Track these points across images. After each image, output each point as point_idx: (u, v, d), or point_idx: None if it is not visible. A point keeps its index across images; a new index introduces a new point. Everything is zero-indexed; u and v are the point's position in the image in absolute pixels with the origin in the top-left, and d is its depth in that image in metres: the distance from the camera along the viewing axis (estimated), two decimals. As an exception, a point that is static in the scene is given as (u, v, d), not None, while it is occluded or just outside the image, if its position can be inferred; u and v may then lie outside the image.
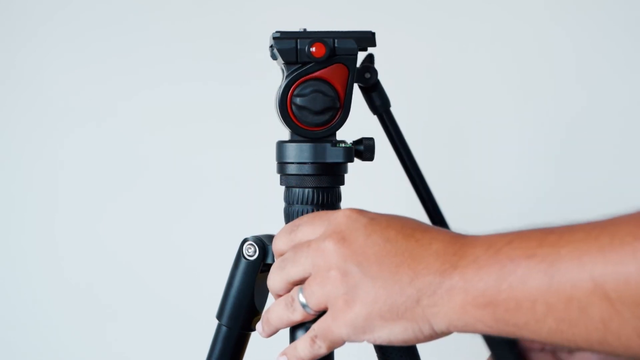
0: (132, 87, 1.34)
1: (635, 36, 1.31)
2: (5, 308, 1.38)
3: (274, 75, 0.77)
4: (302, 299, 0.65)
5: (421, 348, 0.83)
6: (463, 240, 0.59)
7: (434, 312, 0.59)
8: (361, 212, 0.65)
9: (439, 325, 0.60)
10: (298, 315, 0.67)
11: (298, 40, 0.72)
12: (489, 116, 1.31)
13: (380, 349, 0.82)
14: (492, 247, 0.56)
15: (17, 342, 1.38)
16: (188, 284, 1.35)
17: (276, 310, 0.68)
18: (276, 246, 0.70)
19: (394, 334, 0.63)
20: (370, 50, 0.75)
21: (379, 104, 0.77)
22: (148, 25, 1.34)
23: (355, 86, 0.75)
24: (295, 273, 0.66)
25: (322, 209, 0.77)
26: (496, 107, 1.33)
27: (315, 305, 0.65)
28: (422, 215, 1.34)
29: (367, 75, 0.78)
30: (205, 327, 0.88)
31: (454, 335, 1.43)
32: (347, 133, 0.75)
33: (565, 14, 1.31)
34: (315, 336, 0.65)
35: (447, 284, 0.58)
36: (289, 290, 0.67)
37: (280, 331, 0.78)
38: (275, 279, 0.68)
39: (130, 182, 1.35)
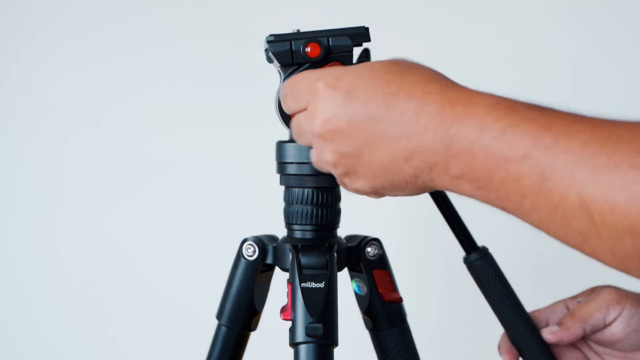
0: (132, 87, 1.34)
1: (635, 36, 1.31)
2: (5, 308, 1.38)
3: (275, 75, 0.77)
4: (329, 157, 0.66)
5: (421, 348, 0.83)
6: (452, 115, 0.58)
7: (433, 181, 0.61)
8: (335, 85, 0.63)
9: (438, 187, 0.61)
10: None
11: (292, 42, 0.72)
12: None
13: (381, 349, 0.82)
14: (484, 132, 0.56)
15: (17, 341, 1.38)
16: (188, 283, 1.35)
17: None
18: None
19: (400, 194, 0.64)
20: (365, 45, 0.75)
21: None
22: (148, 25, 1.34)
23: None
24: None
25: (322, 209, 0.77)
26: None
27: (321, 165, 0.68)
28: (425, 217, 1.34)
29: None
30: (205, 327, 0.88)
31: (454, 335, 1.43)
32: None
33: (564, 14, 1.31)
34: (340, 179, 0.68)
35: (443, 163, 0.59)
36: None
37: (280, 331, 0.78)
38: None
39: (131, 182, 1.36)
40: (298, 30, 0.73)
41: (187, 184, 1.35)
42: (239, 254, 0.80)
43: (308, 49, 0.71)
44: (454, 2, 1.32)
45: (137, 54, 1.34)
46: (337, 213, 0.79)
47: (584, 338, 0.81)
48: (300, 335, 0.69)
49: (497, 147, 0.55)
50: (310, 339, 0.69)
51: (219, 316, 0.82)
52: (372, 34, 0.73)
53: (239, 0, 1.34)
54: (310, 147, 0.68)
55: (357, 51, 0.74)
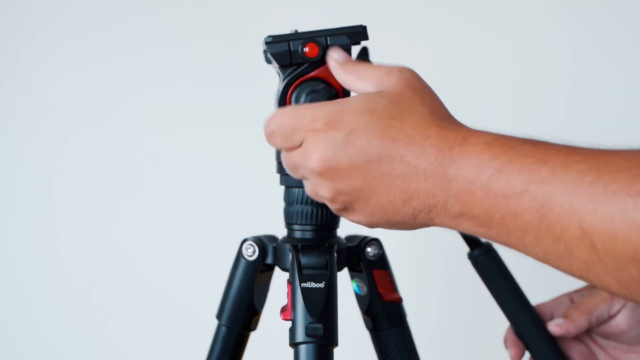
0: (132, 87, 1.34)
1: (635, 36, 1.31)
2: (5, 308, 1.38)
3: (275, 75, 0.77)
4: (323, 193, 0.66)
5: (421, 348, 0.83)
6: (450, 157, 0.59)
7: (432, 221, 0.61)
8: (335, 125, 0.63)
9: (437, 225, 0.62)
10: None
11: (290, 43, 0.72)
12: (486, 116, 1.30)
13: (381, 349, 0.82)
14: (482, 171, 0.56)
15: (18, 341, 1.38)
16: (188, 283, 1.35)
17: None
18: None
19: (398, 229, 0.65)
20: (363, 43, 0.75)
21: None
22: (148, 25, 1.34)
23: None
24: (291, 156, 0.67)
25: (322, 209, 0.77)
26: (494, 107, 1.33)
27: (315, 195, 0.68)
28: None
29: None
30: (205, 327, 0.88)
31: (454, 335, 1.43)
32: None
33: (564, 14, 1.31)
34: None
35: (441, 204, 0.59)
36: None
37: (280, 331, 0.78)
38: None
39: (130, 181, 1.35)
40: (296, 31, 0.73)
41: (187, 184, 1.35)
42: (239, 254, 0.80)
43: (306, 49, 0.71)
44: (454, 2, 1.32)
45: (137, 54, 1.34)
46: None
47: (589, 331, 0.82)
48: (300, 336, 0.69)
49: (495, 184, 0.55)
50: (310, 339, 0.69)
51: (218, 316, 0.82)
52: (371, 33, 0.73)
53: (240, 1, 1.34)
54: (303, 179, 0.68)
55: (355, 50, 0.74)
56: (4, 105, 1.35)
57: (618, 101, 1.31)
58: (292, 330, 0.70)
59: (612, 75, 1.30)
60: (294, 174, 0.68)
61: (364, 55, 0.76)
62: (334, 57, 0.69)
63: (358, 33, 0.72)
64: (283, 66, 0.72)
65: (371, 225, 0.65)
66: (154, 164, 1.35)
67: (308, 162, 0.64)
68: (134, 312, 1.37)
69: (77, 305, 1.37)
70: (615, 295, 0.51)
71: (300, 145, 0.65)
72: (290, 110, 0.67)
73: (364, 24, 0.73)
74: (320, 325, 0.69)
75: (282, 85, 0.72)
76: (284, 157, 0.69)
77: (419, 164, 0.59)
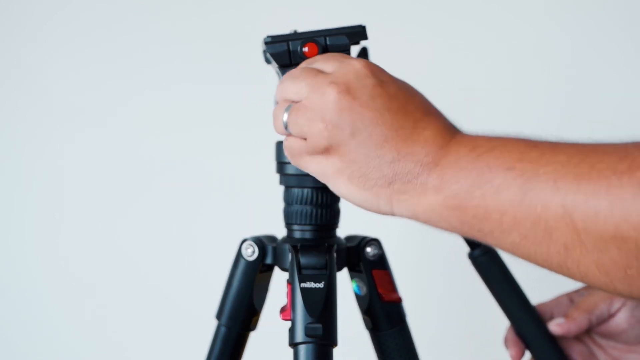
0: (132, 88, 1.34)
1: (634, 36, 1.31)
2: (6, 308, 1.38)
3: (275, 75, 0.77)
4: (285, 118, 0.66)
5: (421, 348, 0.83)
6: (452, 135, 0.59)
7: (401, 199, 0.60)
8: (374, 71, 0.63)
9: (400, 211, 0.61)
10: (279, 128, 0.68)
11: (289, 43, 0.72)
12: (485, 117, 1.31)
13: (380, 349, 0.82)
14: (475, 149, 0.57)
15: (18, 341, 1.38)
16: (188, 283, 1.35)
17: (274, 112, 0.68)
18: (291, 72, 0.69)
19: (353, 197, 0.63)
20: (363, 43, 0.75)
21: None
22: (148, 26, 1.34)
23: None
24: (290, 92, 0.66)
25: (321, 209, 0.77)
26: (493, 107, 1.32)
27: (294, 132, 0.66)
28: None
29: None
30: (205, 327, 0.88)
31: (454, 335, 1.43)
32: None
33: (563, 14, 1.31)
34: (288, 151, 0.67)
35: (424, 178, 0.59)
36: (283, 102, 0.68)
37: (280, 331, 0.78)
38: (277, 89, 0.69)
39: (131, 182, 1.35)
40: (295, 31, 0.73)
41: (187, 184, 1.35)
42: (239, 254, 0.80)
43: (306, 49, 0.71)
44: (453, 2, 1.32)
45: (138, 55, 1.34)
46: (336, 213, 0.79)
47: (589, 331, 0.82)
48: (299, 336, 0.69)
49: (483, 160, 0.56)
50: (309, 339, 0.69)
51: (218, 316, 0.82)
52: (371, 33, 0.73)
53: (241, 2, 1.34)
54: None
55: (354, 50, 0.73)
56: (4, 105, 1.35)
57: (617, 101, 1.31)
58: (292, 331, 0.70)
59: (612, 76, 1.30)
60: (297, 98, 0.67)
61: (363, 56, 0.76)
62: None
63: (357, 33, 0.72)
64: (282, 66, 0.72)
65: (340, 177, 0.63)
66: (155, 164, 1.35)
67: (328, 85, 0.63)
68: (134, 311, 1.37)
69: (78, 305, 1.37)
70: (594, 286, 0.51)
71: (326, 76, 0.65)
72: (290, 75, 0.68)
73: (363, 24, 0.72)
74: (319, 326, 0.69)
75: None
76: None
77: (427, 137, 0.60)
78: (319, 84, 0.64)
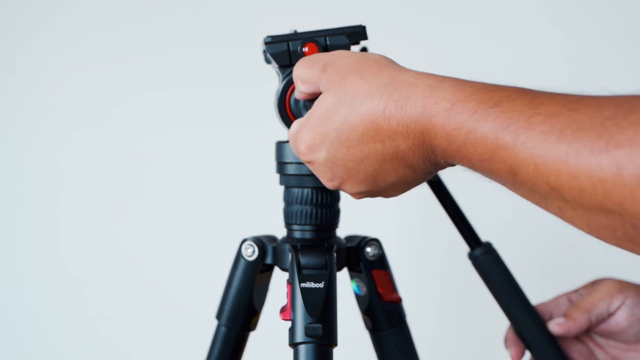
0: (133, 90, 1.34)
1: (632, 36, 1.31)
2: (6, 308, 1.38)
3: (275, 76, 0.77)
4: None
5: (421, 348, 0.83)
6: (429, 132, 0.60)
7: (432, 153, 0.61)
8: (336, 108, 0.64)
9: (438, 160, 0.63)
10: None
11: (290, 43, 0.72)
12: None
13: (380, 349, 0.82)
14: (453, 142, 0.58)
15: (18, 341, 1.38)
16: (189, 284, 1.35)
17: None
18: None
19: (394, 188, 0.67)
20: (363, 43, 0.74)
21: None
22: (149, 28, 1.34)
23: None
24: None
25: (321, 209, 0.77)
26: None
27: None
28: (425, 217, 1.34)
29: None
30: (205, 327, 0.88)
31: (454, 335, 1.43)
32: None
33: (561, 14, 1.31)
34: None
35: (442, 159, 0.61)
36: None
37: (280, 331, 0.78)
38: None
39: (131, 182, 1.35)
40: (295, 31, 0.73)
41: (187, 185, 1.35)
42: (239, 254, 0.80)
43: (306, 49, 0.71)
44: (452, 2, 1.32)
45: (138, 57, 1.34)
46: (336, 213, 0.79)
47: (588, 331, 0.82)
48: (299, 336, 0.69)
49: (465, 152, 0.57)
50: (309, 339, 0.69)
51: (218, 316, 0.82)
52: (371, 33, 0.73)
53: (240, 2, 1.34)
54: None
55: (355, 50, 0.73)
56: (4, 106, 1.35)
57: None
58: (292, 331, 0.70)
59: (611, 76, 1.30)
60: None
61: None
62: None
63: (357, 33, 0.72)
64: (282, 66, 0.72)
65: (408, 189, 0.66)
66: (155, 164, 1.35)
67: (326, 186, 0.68)
68: (134, 311, 1.37)
69: (78, 305, 1.37)
70: (589, 235, 0.53)
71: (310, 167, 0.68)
72: (289, 141, 0.70)
73: (363, 24, 0.72)
74: (319, 325, 0.69)
75: (282, 85, 0.72)
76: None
77: (398, 143, 0.61)
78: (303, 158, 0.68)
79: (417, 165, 0.62)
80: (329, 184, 0.67)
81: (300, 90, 0.69)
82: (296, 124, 0.68)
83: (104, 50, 1.34)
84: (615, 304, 0.79)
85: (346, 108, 0.62)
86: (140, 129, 1.34)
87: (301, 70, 0.68)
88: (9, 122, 1.36)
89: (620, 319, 0.80)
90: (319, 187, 0.76)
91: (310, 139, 0.65)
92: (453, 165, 0.61)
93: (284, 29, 0.74)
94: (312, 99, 0.70)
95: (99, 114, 1.34)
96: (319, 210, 0.77)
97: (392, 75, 0.62)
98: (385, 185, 0.64)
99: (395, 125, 0.60)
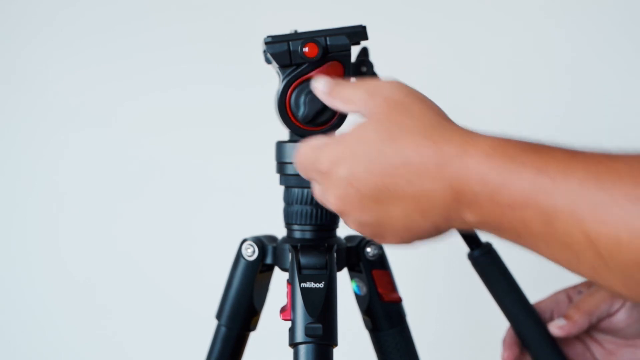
0: (133, 90, 1.34)
1: (633, 37, 1.31)
2: (6, 308, 1.38)
3: (275, 76, 0.77)
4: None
5: (421, 348, 0.83)
6: (450, 174, 0.58)
7: (454, 226, 0.61)
8: (336, 162, 0.64)
9: (462, 227, 0.62)
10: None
11: (290, 43, 0.71)
12: (485, 117, 1.31)
13: (380, 349, 0.82)
14: (486, 185, 0.56)
15: (18, 341, 1.38)
16: (189, 284, 1.35)
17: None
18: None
19: (427, 241, 0.65)
20: (363, 43, 0.74)
21: None
22: (150, 28, 1.34)
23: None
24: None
25: (321, 209, 0.77)
26: (492, 108, 1.32)
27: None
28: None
29: (364, 68, 0.78)
30: (205, 327, 0.88)
31: (454, 335, 1.43)
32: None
33: (563, 15, 1.31)
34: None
35: (456, 213, 0.59)
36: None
37: (280, 331, 0.78)
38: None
39: (132, 182, 1.35)
40: (295, 31, 0.73)
41: (187, 184, 1.35)
42: (239, 254, 0.80)
43: (306, 49, 0.71)
44: (453, 3, 1.32)
45: (138, 57, 1.34)
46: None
47: (587, 329, 0.82)
48: (299, 336, 0.69)
49: (499, 197, 0.56)
50: (309, 339, 0.69)
51: (218, 316, 0.82)
52: (371, 33, 0.73)
53: (240, 2, 1.34)
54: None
55: (355, 50, 0.73)
56: (4, 106, 1.35)
57: (617, 102, 1.31)
58: (292, 331, 0.70)
59: (611, 76, 1.30)
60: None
61: (364, 56, 0.76)
62: (319, 87, 0.70)
63: (358, 33, 0.72)
64: (283, 66, 0.72)
65: (406, 244, 0.65)
66: (155, 164, 1.35)
67: (328, 204, 0.66)
68: (134, 311, 1.37)
69: (79, 305, 1.37)
70: (622, 298, 0.51)
71: (318, 182, 0.67)
72: (301, 151, 0.68)
73: (363, 24, 0.72)
74: (319, 326, 0.69)
75: (282, 85, 0.72)
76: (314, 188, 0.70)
77: (423, 183, 0.59)
78: (326, 202, 0.67)
79: (430, 213, 0.60)
80: (332, 204, 0.65)
81: (337, 108, 0.68)
82: (323, 138, 0.67)
83: (104, 50, 1.34)
84: (616, 306, 0.79)
85: (388, 140, 0.61)
86: (140, 129, 1.34)
87: (349, 91, 0.67)
88: (9, 122, 1.36)
89: (620, 319, 0.80)
90: (319, 187, 0.76)
91: (340, 152, 0.64)
92: (468, 222, 0.59)
93: (284, 29, 0.74)
94: (315, 98, 0.70)
95: (99, 114, 1.34)
96: (319, 210, 0.77)
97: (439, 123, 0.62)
98: (388, 220, 0.63)
99: (431, 167, 0.59)
